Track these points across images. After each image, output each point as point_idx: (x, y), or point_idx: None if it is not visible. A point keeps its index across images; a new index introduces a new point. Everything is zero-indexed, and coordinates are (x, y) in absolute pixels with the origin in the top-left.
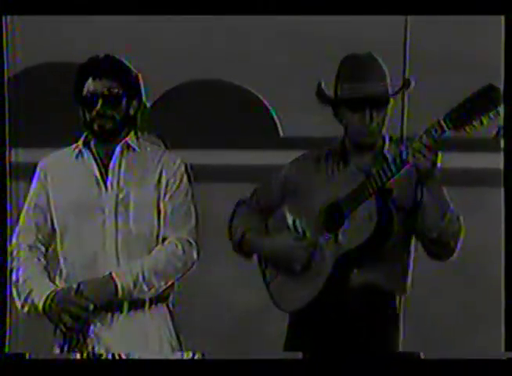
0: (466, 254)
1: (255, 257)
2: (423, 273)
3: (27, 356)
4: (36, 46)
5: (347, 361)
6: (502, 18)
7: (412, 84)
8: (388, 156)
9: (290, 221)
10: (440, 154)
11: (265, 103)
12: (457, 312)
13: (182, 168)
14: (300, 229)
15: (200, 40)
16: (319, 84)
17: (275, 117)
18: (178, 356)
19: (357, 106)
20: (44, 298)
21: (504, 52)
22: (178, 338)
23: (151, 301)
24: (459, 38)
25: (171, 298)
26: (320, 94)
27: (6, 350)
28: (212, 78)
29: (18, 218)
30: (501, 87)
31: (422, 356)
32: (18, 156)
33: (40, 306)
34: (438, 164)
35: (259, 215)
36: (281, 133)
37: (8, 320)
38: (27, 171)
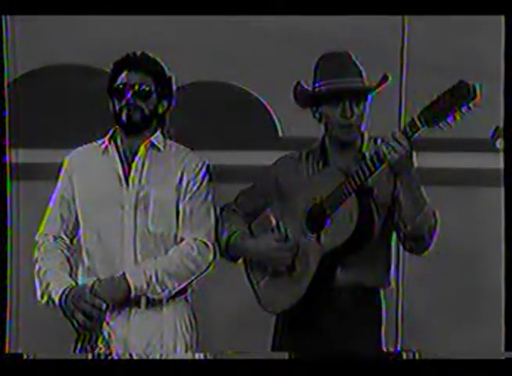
0: (466, 253)
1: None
2: (422, 273)
3: (27, 356)
4: (36, 46)
5: (336, 361)
6: (502, 18)
7: (390, 79)
8: (367, 155)
9: (273, 223)
10: (414, 152)
11: (265, 103)
12: (457, 312)
13: (204, 170)
14: (283, 231)
15: (200, 41)
16: (297, 84)
17: (274, 117)
18: (191, 351)
19: (336, 99)
20: (60, 293)
21: (504, 52)
22: (196, 330)
23: (169, 296)
24: (458, 38)
25: (189, 291)
26: (297, 95)
27: (6, 350)
28: (211, 79)
29: (18, 216)
30: (501, 87)
31: (418, 356)
32: (18, 156)
33: (56, 300)
34: (414, 161)
35: (244, 219)
36: (280, 133)
37: (8, 320)
38: (27, 172)
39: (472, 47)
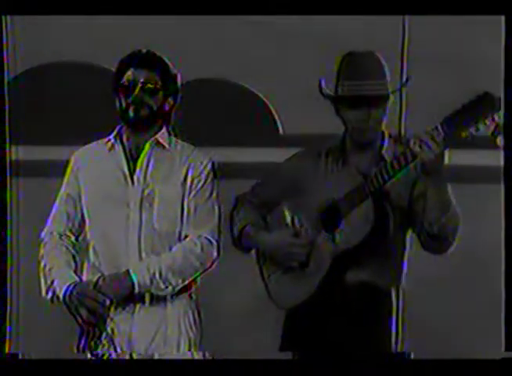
0: (465, 252)
1: (253, 253)
2: (422, 273)
3: (26, 356)
4: (36, 46)
5: (344, 360)
6: (502, 18)
7: (412, 81)
8: (387, 157)
9: (288, 218)
10: (446, 152)
11: (266, 101)
12: (457, 311)
13: (209, 167)
14: (298, 227)
15: (200, 40)
16: (320, 83)
17: (275, 115)
18: (195, 348)
19: (356, 104)
20: (64, 289)
21: (504, 52)
22: (201, 328)
23: (172, 292)
24: (458, 38)
25: (193, 289)
26: (321, 92)
27: (6, 350)
28: (212, 77)
29: (18, 213)
30: (501, 87)
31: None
32: (18, 153)
33: (60, 296)
34: (445, 162)
35: (258, 211)
36: (281, 131)
37: (8, 320)
38: (27, 169)
39: (472, 47)
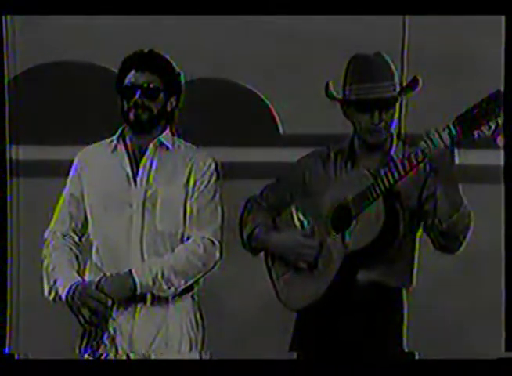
0: (465, 252)
1: (261, 255)
2: (421, 273)
3: (23, 357)
4: (36, 46)
5: (353, 361)
6: (503, 18)
7: (421, 82)
8: (396, 158)
9: (297, 219)
10: (456, 150)
11: (266, 100)
12: (457, 311)
13: (212, 168)
14: (308, 228)
15: (201, 40)
16: (327, 85)
17: (275, 114)
18: (196, 349)
19: (366, 106)
20: (67, 289)
21: (504, 52)
22: (202, 329)
23: (175, 293)
24: (459, 38)
25: (195, 290)
26: (328, 94)
27: (6, 350)
28: (213, 77)
29: (18, 213)
30: (501, 87)
31: (418, 355)
32: (18, 153)
33: (63, 297)
34: (455, 160)
35: (268, 212)
36: (281, 131)
37: (8, 320)
38: (27, 169)
39: (472, 47)
